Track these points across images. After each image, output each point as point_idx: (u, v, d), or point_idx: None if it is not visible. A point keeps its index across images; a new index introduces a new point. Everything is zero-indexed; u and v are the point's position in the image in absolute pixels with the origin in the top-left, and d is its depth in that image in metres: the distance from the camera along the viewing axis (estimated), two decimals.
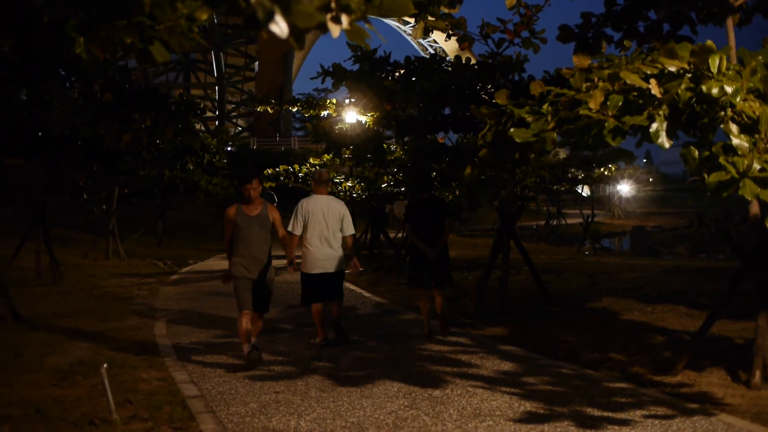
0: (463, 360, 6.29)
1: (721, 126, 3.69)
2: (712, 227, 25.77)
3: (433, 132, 10.25)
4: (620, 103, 3.72)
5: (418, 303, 7.71)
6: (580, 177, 29.63)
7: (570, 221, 31.55)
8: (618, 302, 8.50)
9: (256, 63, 51.87)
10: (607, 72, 3.88)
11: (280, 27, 1.66)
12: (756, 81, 3.73)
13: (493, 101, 6.26)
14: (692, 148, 3.72)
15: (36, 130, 8.48)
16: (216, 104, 50.45)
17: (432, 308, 7.46)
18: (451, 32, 7.61)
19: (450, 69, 8.78)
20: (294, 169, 17.16)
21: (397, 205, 25.31)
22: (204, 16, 2.03)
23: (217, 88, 50.81)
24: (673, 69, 3.75)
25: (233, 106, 53.58)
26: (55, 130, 8.30)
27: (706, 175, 3.60)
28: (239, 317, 6.09)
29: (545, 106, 4.08)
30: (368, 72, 9.05)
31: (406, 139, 11.62)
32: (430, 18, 6.53)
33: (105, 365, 4.88)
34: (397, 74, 9.15)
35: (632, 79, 3.68)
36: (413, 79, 8.85)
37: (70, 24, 2.12)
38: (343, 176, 17.79)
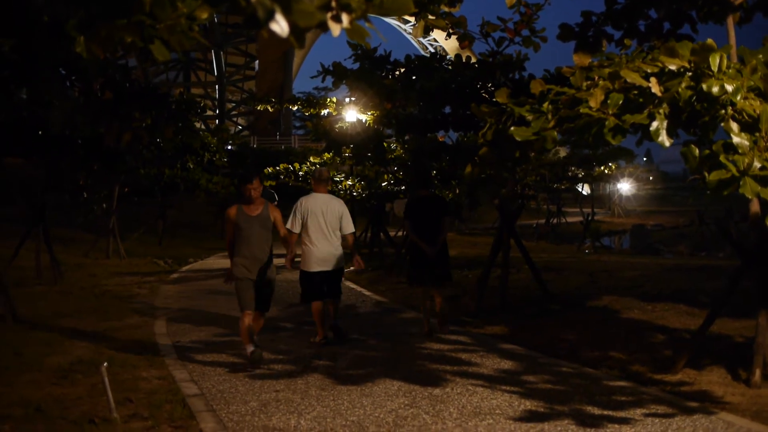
0: (464, 358, 6.29)
1: (722, 124, 3.69)
2: (712, 225, 25.80)
3: (433, 130, 10.25)
4: (621, 102, 3.72)
5: (418, 302, 7.72)
6: (580, 175, 29.67)
7: (570, 220, 31.56)
8: (618, 301, 8.50)
9: (257, 62, 51.87)
10: (607, 70, 3.88)
11: (280, 26, 1.66)
12: (756, 79, 3.73)
13: (494, 100, 6.26)
14: (693, 146, 3.72)
15: (36, 130, 8.47)
16: (216, 103, 50.46)
17: (432, 306, 7.47)
18: (451, 31, 7.61)
19: (450, 68, 8.78)
20: (294, 167, 17.15)
21: (398, 203, 25.31)
22: (204, 15, 2.03)
23: (217, 86, 50.82)
24: (673, 67, 3.75)
25: (233, 104, 53.59)
26: (55, 130, 8.29)
27: (706, 174, 3.61)
28: (242, 317, 6.08)
29: (546, 105, 4.08)
30: (368, 71, 9.05)
31: (406, 137, 11.63)
32: (430, 17, 6.54)
33: (105, 364, 4.88)
34: (397, 73, 9.15)
35: (633, 78, 3.68)
36: (413, 77, 8.85)
37: (70, 23, 2.11)
38: (343, 175, 17.79)
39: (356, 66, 9.09)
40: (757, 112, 3.62)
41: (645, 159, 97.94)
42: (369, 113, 12.09)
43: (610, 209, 44.21)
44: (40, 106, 7.19)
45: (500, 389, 5.25)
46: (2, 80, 5.02)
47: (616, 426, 4.36)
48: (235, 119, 54.14)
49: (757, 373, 5.09)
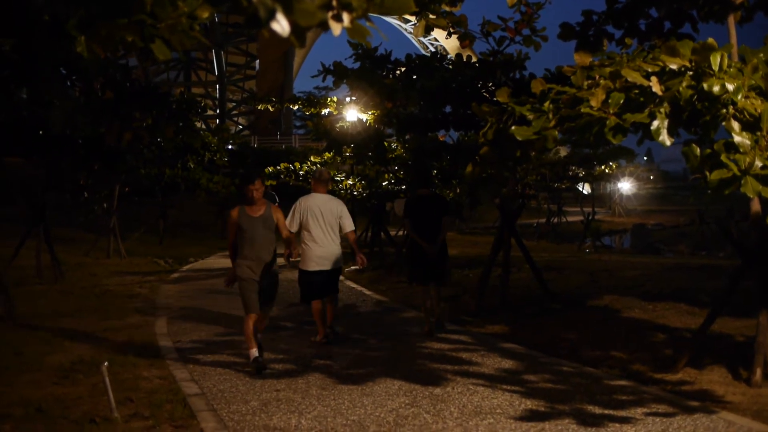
0: (464, 358, 6.29)
1: (723, 123, 3.69)
2: (713, 225, 25.79)
3: (434, 130, 10.23)
4: (621, 101, 3.72)
5: (418, 301, 7.73)
6: (580, 175, 29.59)
7: (571, 219, 31.54)
8: (619, 300, 8.50)
9: (257, 61, 51.89)
10: (608, 70, 3.87)
11: (281, 25, 1.66)
12: (757, 78, 3.72)
13: (495, 99, 6.26)
14: (694, 145, 3.72)
15: (37, 130, 8.47)
16: (217, 102, 50.49)
17: (432, 306, 7.48)
18: (452, 30, 7.60)
19: (451, 67, 8.77)
20: (295, 167, 17.13)
21: (398, 203, 25.28)
22: (205, 14, 2.03)
23: (217, 86, 50.85)
24: (674, 67, 3.75)
25: (234, 104, 53.61)
26: (55, 129, 8.29)
27: (707, 173, 3.60)
28: (246, 320, 5.94)
29: (546, 104, 4.08)
30: (369, 70, 9.04)
31: (407, 137, 11.61)
32: (431, 16, 6.53)
33: (106, 363, 4.88)
34: (398, 72, 9.14)
35: (633, 77, 3.68)
36: (414, 77, 8.84)
37: (70, 22, 2.11)
38: (343, 174, 17.77)
39: (357, 65, 9.08)
40: (758, 111, 3.62)
41: (646, 158, 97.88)
42: (369, 113, 12.07)
43: (611, 208, 44.16)
44: (40, 105, 7.19)
45: (501, 388, 5.25)
46: (2, 80, 5.01)
47: (617, 425, 4.36)
48: (235, 119, 54.16)
49: (758, 372, 5.09)
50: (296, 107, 17.89)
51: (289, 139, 46.75)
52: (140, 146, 9.23)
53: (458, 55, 8.68)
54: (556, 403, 4.86)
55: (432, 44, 54.60)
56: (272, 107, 17.51)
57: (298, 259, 6.89)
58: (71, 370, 5.88)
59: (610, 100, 3.73)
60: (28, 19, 3.26)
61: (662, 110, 3.66)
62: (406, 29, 58.46)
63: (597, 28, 6.22)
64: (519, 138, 4.00)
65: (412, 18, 6.65)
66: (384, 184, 15.84)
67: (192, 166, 19.71)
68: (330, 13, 1.71)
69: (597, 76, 3.96)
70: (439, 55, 9.60)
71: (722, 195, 3.63)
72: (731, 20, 5.61)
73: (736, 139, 3.60)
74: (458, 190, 15.96)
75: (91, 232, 18.03)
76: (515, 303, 8.84)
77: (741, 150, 3.57)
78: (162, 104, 7.36)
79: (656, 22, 6.16)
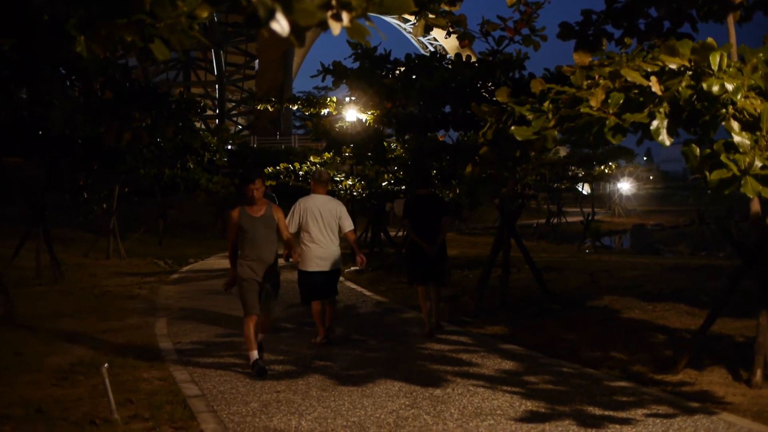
0: (464, 359, 6.29)
1: (722, 123, 3.69)
2: (712, 225, 25.78)
3: (433, 130, 10.24)
4: (621, 101, 3.72)
5: (418, 302, 7.73)
6: (580, 175, 29.60)
7: (570, 219, 31.55)
8: (619, 300, 8.49)
9: (257, 61, 51.88)
10: (607, 69, 3.87)
11: (281, 25, 1.66)
12: (757, 78, 3.72)
13: (494, 99, 6.26)
14: (693, 145, 3.72)
15: (36, 129, 8.47)
16: (216, 102, 50.48)
17: (432, 306, 7.49)
18: (451, 30, 7.60)
19: (450, 67, 8.77)
20: (294, 167, 17.14)
21: (398, 203, 25.29)
22: (205, 14, 2.03)
23: (217, 86, 50.84)
24: (673, 66, 3.74)
25: (233, 104, 53.61)
26: (55, 129, 8.29)
27: (707, 173, 3.60)
28: (246, 322, 5.84)
29: (546, 104, 4.08)
30: (368, 70, 9.04)
31: (406, 137, 11.61)
32: (430, 15, 6.53)
33: (106, 365, 4.88)
34: (397, 72, 9.14)
35: (633, 77, 3.68)
36: (413, 76, 8.84)
37: (70, 22, 2.11)
38: (343, 174, 17.78)
39: (356, 65, 9.08)
40: (758, 111, 3.61)
41: (645, 158, 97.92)
42: (369, 112, 12.07)
43: (611, 209, 44.17)
44: (40, 105, 7.18)
45: (501, 390, 5.25)
46: (2, 80, 5.01)
47: (617, 426, 4.36)
48: (235, 119, 54.15)
49: (758, 373, 5.08)
50: (296, 107, 17.90)
51: (289, 139, 46.76)
52: (140, 146, 9.22)
53: (458, 55, 8.68)
54: (556, 404, 4.86)
55: (431, 44, 54.66)
56: (271, 107, 17.53)
57: (299, 260, 6.89)
58: (71, 371, 5.87)
59: (609, 100, 3.72)
60: (28, 19, 3.26)
61: (662, 110, 3.66)
62: (405, 29, 58.49)
63: (596, 28, 6.22)
64: (518, 138, 3.99)
65: (412, 17, 6.64)
66: (383, 184, 15.85)
67: (191, 166, 19.72)
68: (329, 13, 1.71)
69: (596, 76, 3.96)
70: (439, 54, 9.61)
71: (722, 195, 3.63)
72: (730, 20, 5.61)
73: (736, 139, 3.59)
74: (458, 191, 15.96)
75: (91, 232, 18.03)
76: (515, 304, 8.84)
77: (741, 150, 3.56)
78: (161, 104, 7.35)
79: (656, 21, 6.16)
